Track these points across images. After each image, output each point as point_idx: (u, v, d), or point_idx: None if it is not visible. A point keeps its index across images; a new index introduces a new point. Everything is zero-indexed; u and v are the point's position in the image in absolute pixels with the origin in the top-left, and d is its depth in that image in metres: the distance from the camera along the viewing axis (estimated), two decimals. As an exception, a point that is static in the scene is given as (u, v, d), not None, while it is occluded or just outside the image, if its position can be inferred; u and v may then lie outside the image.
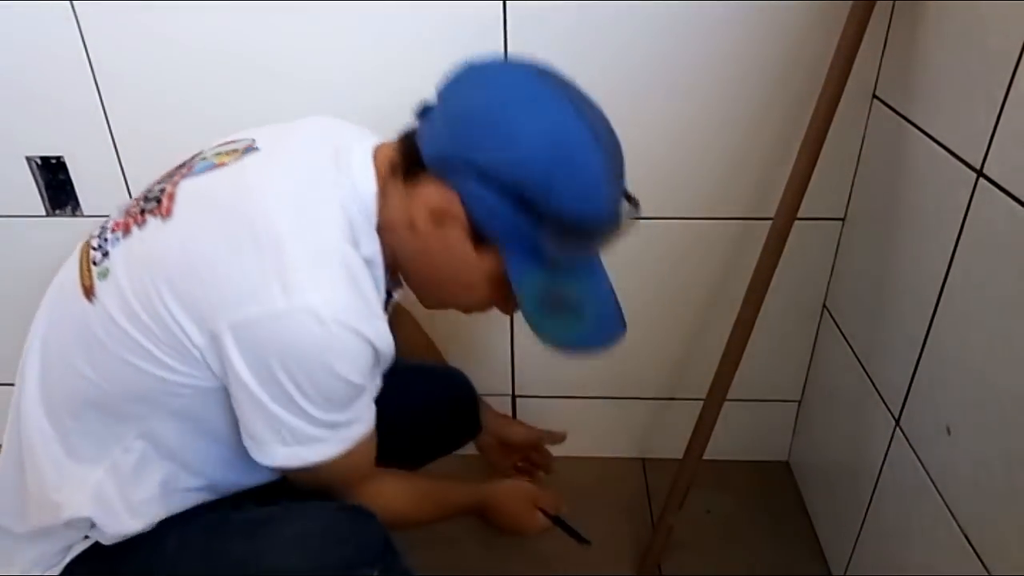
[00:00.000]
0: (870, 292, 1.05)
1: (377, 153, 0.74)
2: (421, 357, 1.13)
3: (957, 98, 0.82)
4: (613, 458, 1.42)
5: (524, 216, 0.66)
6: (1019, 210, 0.70)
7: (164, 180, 0.74)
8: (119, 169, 1.15)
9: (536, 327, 0.71)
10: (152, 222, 0.70)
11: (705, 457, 1.10)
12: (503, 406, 1.37)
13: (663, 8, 1.00)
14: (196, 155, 0.77)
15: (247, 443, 0.71)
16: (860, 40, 0.91)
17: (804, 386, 1.31)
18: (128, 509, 0.73)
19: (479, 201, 0.67)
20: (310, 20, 1.02)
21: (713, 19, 1.00)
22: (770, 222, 0.99)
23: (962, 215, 0.80)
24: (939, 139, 0.85)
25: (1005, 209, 0.72)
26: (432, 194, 0.69)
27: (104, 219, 0.77)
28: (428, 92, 0.72)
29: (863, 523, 1.06)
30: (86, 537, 0.76)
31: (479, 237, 0.69)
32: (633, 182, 1.12)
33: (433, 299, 0.80)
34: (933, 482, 0.86)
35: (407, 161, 0.71)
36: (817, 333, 1.25)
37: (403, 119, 0.75)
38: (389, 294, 0.82)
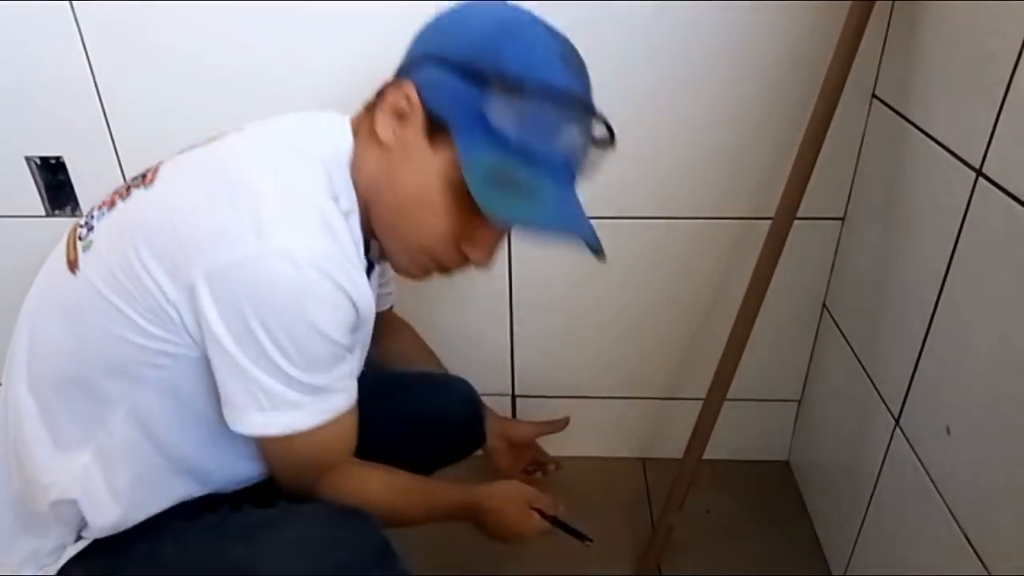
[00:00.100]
0: (870, 292, 1.05)
1: (354, 117, 0.77)
2: (421, 367, 1.13)
3: (957, 98, 0.82)
4: (613, 458, 1.42)
5: (472, 85, 0.67)
6: (1019, 210, 0.70)
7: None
8: (119, 169, 1.15)
9: (482, 199, 0.67)
10: (136, 193, 0.72)
11: (705, 457, 1.10)
12: (503, 406, 1.37)
13: (662, 8, 1.00)
14: (187, 147, 0.78)
15: (225, 413, 0.70)
16: (859, 40, 0.91)
17: (804, 386, 1.31)
18: (112, 494, 0.72)
19: (431, 82, 0.69)
20: (312, 21, 1.02)
21: (713, 19, 1.00)
22: (770, 222, 0.99)
23: (962, 215, 0.80)
24: (939, 139, 0.85)
25: (1004, 209, 0.72)
26: (391, 94, 0.71)
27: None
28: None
29: (863, 523, 1.06)
30: (79, 538, 0.75)
31: (433, 127, 0.69)
32: (633, 182, 1.13)
33: (403, 248, 0.76)
34: (933, 482, 0.86)
35: (378, 91, 0.75)
36: (817, 333, 1.25)
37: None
38: (371, 265, 0.81)
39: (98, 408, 0.71)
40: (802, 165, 0.96)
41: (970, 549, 0.78)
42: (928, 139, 0.87)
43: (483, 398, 1.09)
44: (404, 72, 0.73)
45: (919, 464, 0.89)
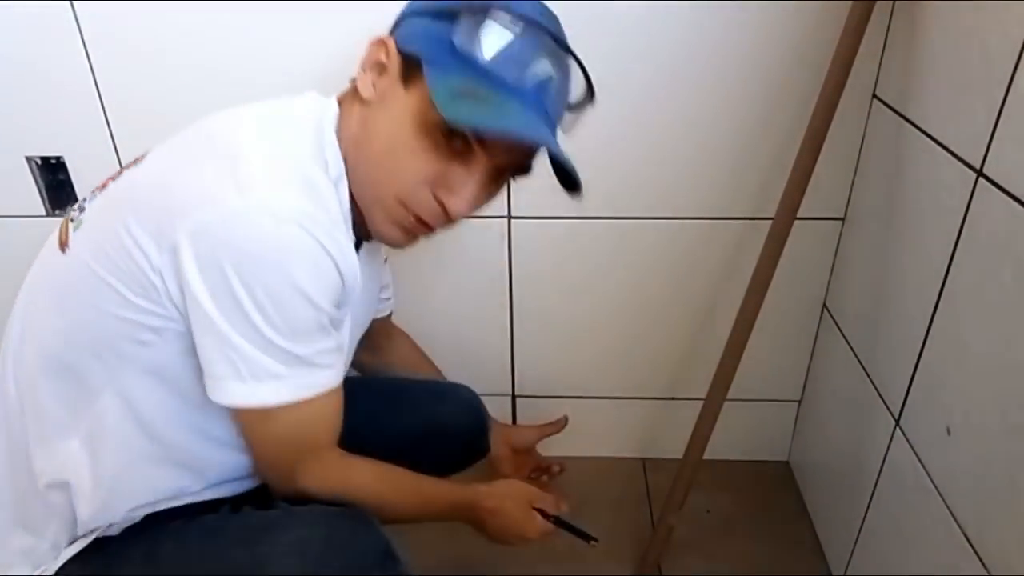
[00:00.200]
0: (870, 292, 1.05)
1: (340, 93, 0.78)
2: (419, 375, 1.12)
3: (957, 98, 0.82)
4: (613, 458, 1.42)
5: (444, 21, 0.68)
6: (1019, 210, 0.70)
7: None
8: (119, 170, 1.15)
9: (447, 111, 0.66)
10: (126, 173, 0.73)
11: (705, 457, 1.10)
12: (503, 406, 1.37)
13: (662, 8, 1.00)
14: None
15: (206, 384, 0.68)
16: (860, 40, 0.91)
17: (804, 386, 1.31)
18: (94, 480, 0.72)
19: (407, 31, 0.72)
20: (313, 21, 1.02)
21: (712, 19, 1.00)
22: (770, 222, 0.99)
23: (962, 215, 0.80)
24: (939, 139, 0.85)
25: (1005, 209, 0.72)
26: (371, 50, 0.73)
27: None
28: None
29: (863, 523, 1.06)
30: (76, 539, 0.75)
31: (407, 69, 0.70)
32: (634, 182, 1.13)
33: (380, 204, 0.74)
34: (933, 482, 0.86)
35: None
36: (817, 333, 1.25)
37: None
38: (359, 241, 0.81)
39: (85, 392, 0.71)
40: (802, 165, 0.96)
41: (970, 549, 0.78)
42: (928, 139, 0.87)
43: (483, 399, 1.09)
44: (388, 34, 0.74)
45: (919, 464, 0.89)
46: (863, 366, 1.07)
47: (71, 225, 0.73)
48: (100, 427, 0.71)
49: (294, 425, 0.72)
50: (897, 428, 0.95)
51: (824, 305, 1.22)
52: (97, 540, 0.75)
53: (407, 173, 0.71)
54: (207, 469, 0.78)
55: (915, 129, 0.91)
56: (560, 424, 1.15)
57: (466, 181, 0.72)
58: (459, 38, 0.67)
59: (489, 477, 1.08)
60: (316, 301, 0.67)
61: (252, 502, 0.79)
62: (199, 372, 0.69)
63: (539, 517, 0.89)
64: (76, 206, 0.75)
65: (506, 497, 0.88)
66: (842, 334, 1.15)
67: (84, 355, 0.70)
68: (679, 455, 1.13)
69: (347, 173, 0.73)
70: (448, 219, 0.74)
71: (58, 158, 1.15)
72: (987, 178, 0.75)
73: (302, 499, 0.76)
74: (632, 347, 1.30)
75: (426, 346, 1.19)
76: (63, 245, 0.72)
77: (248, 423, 0.73)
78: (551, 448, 1.18)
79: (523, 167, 0.76)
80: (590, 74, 0.75)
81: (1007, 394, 0.73)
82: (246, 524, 0.75)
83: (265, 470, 0.78)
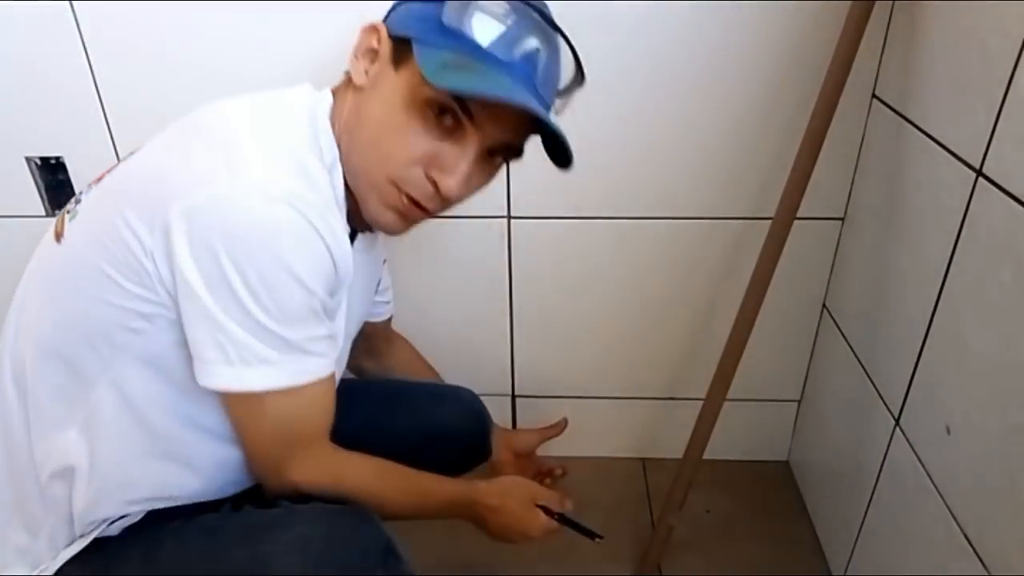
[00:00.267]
0: (870, 292, 1.05)
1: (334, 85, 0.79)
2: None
3: (957, 98, 0.82)
4: (613, 458, 1.42)
5: (432, 2, 0.69)
6: (1019, 210, 0.70)
7: None
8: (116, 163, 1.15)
9: (434, 78, 0.66)
10: (121, 164, 0.73)
11: (705, 457, 1.10)
12: (503, 406, 1.37)
13: (662, 8, 1.00)
14: None
15: (195, 369, 0.68)
16: (860, 40, 0.91)
17: (804, 386, 1.31)
18: (93, 470, 0.72)
19: (398, 14, 0.73)
20: (314, 21, 1.02)
21: (712, 19, 1.00)
22: (770, 222, 0.99)
23: (961, 215, 0.80)
24: (939, 139, 0.85)
25: (1004, 209, 0.72)
26: (362, 37, 0.74)
27: None
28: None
29: (863, 523, 1.06)
30: (73, 542, 0.75)
31: (398, 51, 0.71)
32: (634, 182, 1.13)
33: (374, 188, 0.74)
34: (933, 482, 0.86)
35: None
36: (817, 333, 1.25)
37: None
38: (354, 232, 0.81)
39: (81, 382, 0.71)
40: (802, 165, 0.96)
41: (970, 549, 0.78)
42: (928, 139, 0.87)
43: (483, 399, 1.09)
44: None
45: (919, 464, 0.89)
46: (863, 366, 1.07)
47: (67, 216, 0.73)
48: (96, 417, 0.71)
49: (284, 414, 0.71)
50: (897, 428, 0.95)
51: (824, 305, 1.22)
52: (96, 541, 0.75)
53: (399, 153, 0.71)
54: (201, 463, 0.77)
55: (915, 129, 0.91)
56: (560, 427, 1.15)
57: (458, 159, 0.72)
58: (448, 16, 0.68)
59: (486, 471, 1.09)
60: (307, 283, 0.67)
61: (253, 501, 0.79)
62: (192, 362, 0.69)
63: (542, 515, 0.88)
64: (73, 199, 0.76)
65: (508, 494, 0.87)
66: (842, 334, 1.15)
67: (78, 345, 0.70)
68: (679, 455, 1.13)
69: (341, 161, 0.73)
70: (442, 200, 0.74)
71: (58, 158, 1.15)
72: (987, 178, 0.75)
73: (294, 496, 0.76)
74: (632, 347, 1.30)
75: (426, 346, 1.19)
76: (58, 236, 0.73)
77: (238, 411, 0.72)
78: (551, 449, 1.18)
79: (515, 148, 0.76)
80: (584, 66, 0.76)
81: (1007, 394, 0.73)
82: (247, 523, 0.75)
83: (255, 463, 0.77)
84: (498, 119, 0.71)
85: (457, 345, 1.27)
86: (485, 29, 0.68)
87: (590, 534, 0.91)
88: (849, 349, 1.11)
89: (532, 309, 1.26)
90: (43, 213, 1.19)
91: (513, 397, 1.37)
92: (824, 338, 1.23)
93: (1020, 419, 0.71)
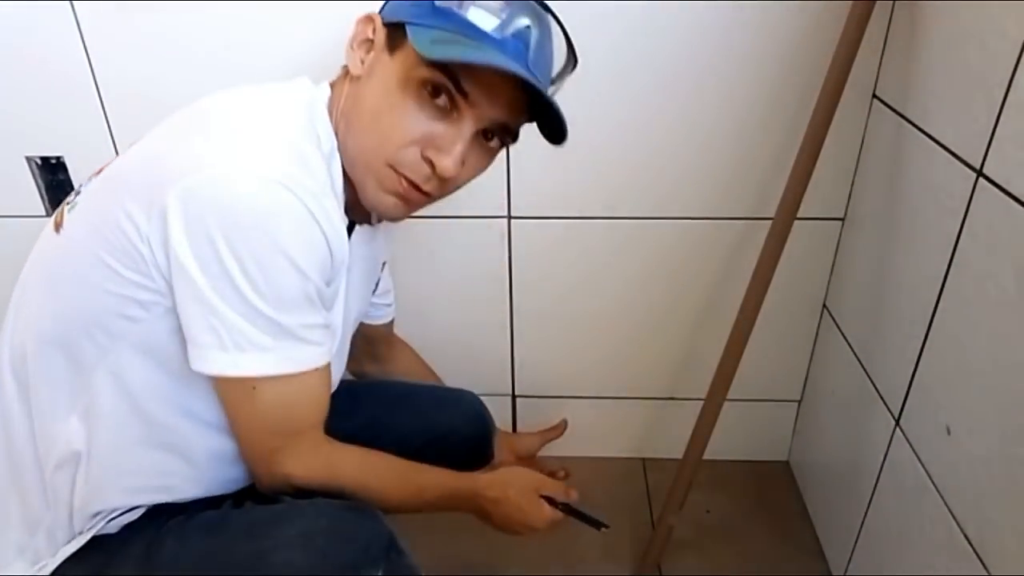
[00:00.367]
0: (870, 292, 1.05)
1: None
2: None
3: (957, 98, 0.82)
4: (613, 458, 1.42)
5: None
6: (1019, 210, 0.70)
7: None
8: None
9: (425, 51, 0.67)
10: (121, 156, 0.74)
11: (705, 457, 1.10)
12: (503, 406, 1.37)
13: (662, 8, 1.00)
14: None
15: (190, 354, 0.68)
16: (860, 40, 0.91)
17: (804, 386, 1.31)
18: (91, 458, 0.72)
19: (393, 4, 0.74)
20: (315, 21, 1.02)
21: (713, 19, 1.00)
22: (770, 222, 0.99)
23: (962, 215, 0.80)
24: (939, 139, 0.85)
25: (1005, 209, 0.72)
26: (357, 27, 0.75)
27: None
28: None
29: (863, 523, 1.06)
30: (72, 539, 0.75)
31: (392, 37, 0.72)
32: (634, 182, 1.13)
33: (371, 172, 0.74)
34: (933, 482, 0.86)
35: None
36: (817, 333, 1.25)
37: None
38: (352, 224, 0.81)
39: (80, 371, 0.71)
40: (802, 165, 0.96)
41: (970, 549, 0.78)
42: (928, 139, 0.87)
43: (483, 399, 1.09)
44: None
45: (919, 464, 0.89)
46: (863, 366, 1.07)
47: (67, 207, 0.74)
48: (95, 405, 0.71)
49: (278, 402, 0.71)
50: (897, 428, 0.95)
51: (824, 305, 1.22)
52: (96, 539, 0.75)
53: (395, 134, 0.72)
54: (197, 455, 0.77)
55: (915, 129, 0.91)
56: (561, 428, 1.16)
57: (454, 139, 0.72)
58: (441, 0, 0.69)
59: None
60: (302, 267, 0.67)
61: (254, 499, 0.78)
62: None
63: (546, 505, 0.87)
64: (74, 192, 0.76)
65: (510, 486, 0.86)
66: (842, 334, 1.15)
67: (76, 334, 0.70)
68: (679, 455, 1.13)
69: (339, 150, 0.74)
70: (439, 181, 0.74)
71: (58, 158, 1.15)
72: (987, 178, 0.75)
73: (287, 491, 0.76)
74: (632, 347, 1.30)
75: (426, 346, 1.19)
76: (58, 226, 0.73)
77: (230, 398, 0.72)
78: (552, 449, 1.18)
79: (511, 130, 0.76)
80: (578, 56, 0.76)
81: (1007, 394, 0.73)
82: (249, 519, 0.75)
83: (247, 453, 0.76)
84: (492, 97, 0.71)
85: (457, 345, 1.27)
86: (478, 10, 0.69)
87: (596, 523, 0.90)
88: (849, 349, 1.11)
89: (532, 309, 1.26)
90: (43, 213, 1.19)
91: (513, 397, 1.37)
92: (824, 338, 1.23)
93: (1020, 419, 0.71)
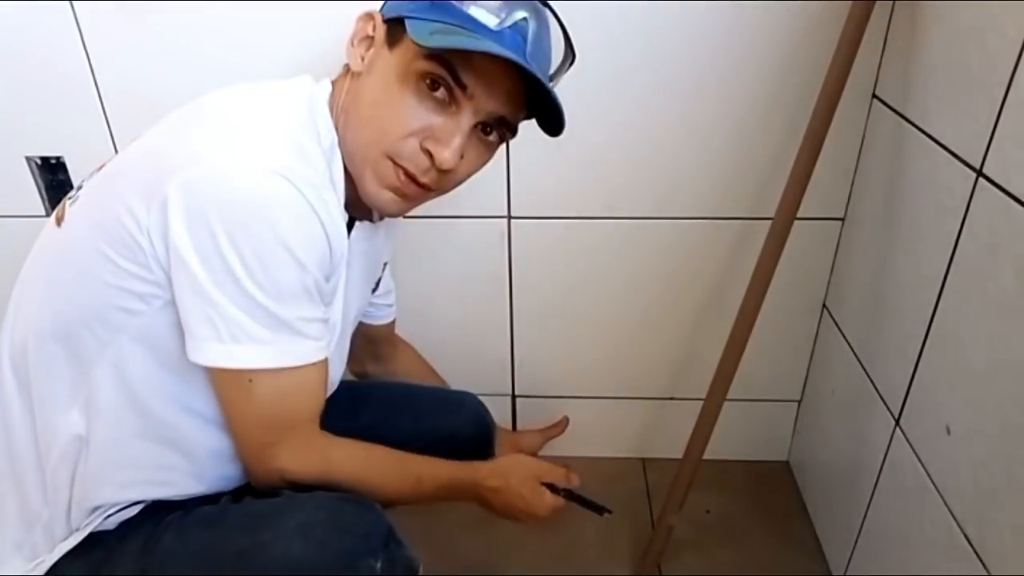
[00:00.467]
0: (870, 292, 1.05)
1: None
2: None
3: (957, 98, 0.82)
4: (613, 458, 1.42)
5: None
6: (1019, 210, 0.70)
7: None
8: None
9: (423, 41, 0.67)
10: (123, 151, 0.75)
11: (705, 457, 1.10)
12: (503, 406, 1.37)
13: (662, 8, 1.00)
14: None
15: (187, 346, 0.68)
16: (860, 40, 0.91)
17: (804, 386, 1.31)
18: (91, 450, 0.72)
19: (393, 2, 0.74)
20: (314, 22, 1.02)
21: (712, 19, 1.00)
22: (770, 222, 0.99)
23: (962, 215, 0.80)
24: (939, 139, 0.85)
25: (1005, 209, 0.72)
26: (357, 25, 0.76)
27: None
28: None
29: (863, 523, 1.06)
30: (70, 535, 0.75)
31: (391, 32, 0.73)
32: (634, 182, 1.13)
33: (371, 165, 0.74)
34: (933, 482, 0.86)
35: None
36: (817, 333, 1.25)
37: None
38: (352, 220, 0.81)
39: (80, 364, 0.71)
40: (802, 165, 0.96)
41: (970, 549, 0.78)
42: (928, 139, 0.87)
43: (483, 399, 1.09)
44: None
45: (919, 464, 0.89)
46: (863, 366, 1.07)
47: (68, 202, 0.75)
48: (95, 397, 0.72)
49: (274, 396, 0.71)
50: (897, 428, 0.95)
51: (824, 305, 1.22)
52: (94, 536, 0.75)
53: (394, 126, 0.72)
54: (194, 450, 0.77)
55: (915, 129, 0.91)
56: (562, 425, 1.15)
57: (453, 131, 0.72)
58: None
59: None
60: (301, 259, 0.67)
61: (252, 494, 0.78)
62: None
63: (548, 493, 0.86)
64: (76, 187, 0.77)
65: (511, 474, 0.85)
66: (842, 334, 1.15)
67: (76, 326, 0.70)
68: (679, 455, 1.13)
69: (339, 145, 0.74)
70: (438, 174, 0.74)
71: (58, 158, 1.15)
72: (987, 178, 0.75)
73: (282, 485, 0.76)
74: (632, 347, 1.30)
75: (426, 346, 1.19)
76: (59, 221, 0.74)
77: (226, 390, 0.72)
78: (552, 449, 1.18)
79: (509, 123, 0.76)
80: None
81: (1007, 394, 0.73)
82: (247, 512, 0.75)
83: (242, 447, 0.76)
84: (490, 89, 0.72)
85: (457, 345, 1.27)
86: (478, 8, 0.70)
87: (598, 508, 0.90)
88: (849, 349, 1.11)
89: (532, 309, 1.26)
90: (43, 213, 1.19)
91: (513, 397, 1.37)
92: (824, 338, 1.23)
93: (1020, 419, 0.71)
